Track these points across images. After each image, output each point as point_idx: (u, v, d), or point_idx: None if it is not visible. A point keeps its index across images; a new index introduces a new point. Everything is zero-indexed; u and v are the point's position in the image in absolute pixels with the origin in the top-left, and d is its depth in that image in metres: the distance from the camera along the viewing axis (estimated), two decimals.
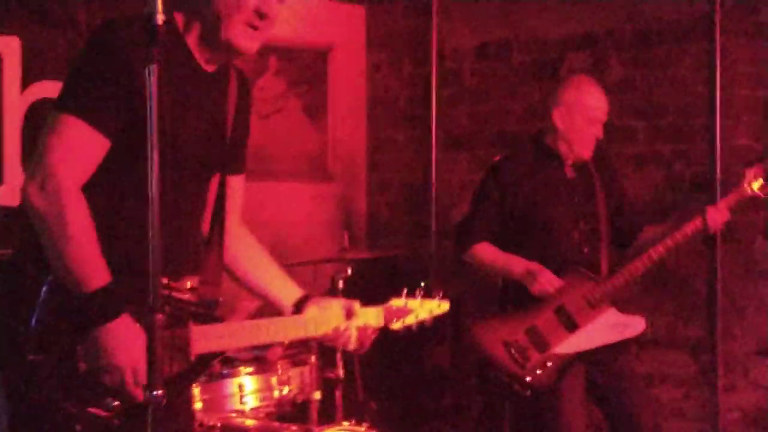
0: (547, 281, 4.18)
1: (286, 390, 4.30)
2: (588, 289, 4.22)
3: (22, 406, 2.56)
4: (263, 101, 6.05)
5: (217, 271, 2.86)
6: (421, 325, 3.14)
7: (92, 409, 2.53)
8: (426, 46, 6.31)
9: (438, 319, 3.16)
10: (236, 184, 3.00)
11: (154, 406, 2.22)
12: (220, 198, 2.89)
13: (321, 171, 6.33)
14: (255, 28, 2.67)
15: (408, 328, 3.12)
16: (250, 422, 4.13)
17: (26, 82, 4.81)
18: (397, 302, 3.10)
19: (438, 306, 3.16)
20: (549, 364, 4.21)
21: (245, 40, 2.67)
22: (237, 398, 4.16)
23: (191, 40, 2.70)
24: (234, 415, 4.14)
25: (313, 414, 4.42)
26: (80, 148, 2.51)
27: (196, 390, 4.00)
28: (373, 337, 3.06)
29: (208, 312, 2.74)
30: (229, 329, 2.74)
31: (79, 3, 4.99)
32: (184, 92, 2.67)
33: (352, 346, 3.03)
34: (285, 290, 3.02)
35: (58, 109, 2.54)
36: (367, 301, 3.05)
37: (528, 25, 6.01)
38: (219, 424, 4.03)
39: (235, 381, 4.19)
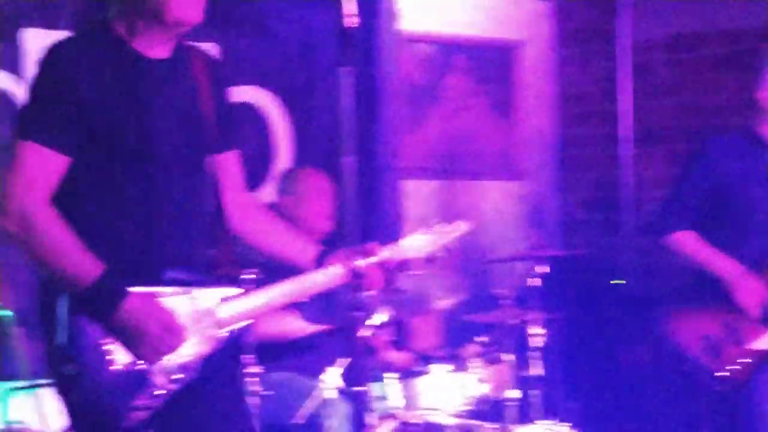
0: (750, 294, 4.06)
1: (483, 388, 4.29)
2: None
3: (76, 416, 2.69)
4: (450, 100, 6.06)
5: (227, 248, 2.91)
6: (447, 250, 3.11)
7: (137, 402, 2.63)
8: (616, 40, 6.20)
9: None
10: (229, 160, 3.00)
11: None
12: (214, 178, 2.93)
13: (511, 169, 6.30)
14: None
15: (432, 257, 3.08)
16: (449, 420, 4.14)
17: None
18: (408, 239, 3.07)
19: (454, 228, 3.16)
20: (745, 359, 4.09)
21: (188, 9, 2.69)
22: (435, 396, 4.18)
23: (139, 39, 2.72)
24: (433, 412, 4.16)
25: (511, 412, 4.39)
26: (36, 168, 2.62)
27: (396, 387, 4.07)
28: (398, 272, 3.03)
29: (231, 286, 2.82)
30: (252, 299, 2.83)
31: (272, 11, 5.11)
32: (139, 87, 2.71)
33: (378, 284, 2.99)
34: (303, 252, 3.03)
35: (14, 138, 2.66)
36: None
37: (720, 16, 5.83)
38: (420, 422, 4.06)
39: (433, 379, 4.20)
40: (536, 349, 4.56)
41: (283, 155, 5.07)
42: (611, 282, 6.03)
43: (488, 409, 4.41)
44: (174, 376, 2.68)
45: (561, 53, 6.48)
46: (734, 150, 4.26)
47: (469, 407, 4.31)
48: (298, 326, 4.07)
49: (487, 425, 4.22)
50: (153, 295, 2.65)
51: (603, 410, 5.54)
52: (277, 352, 4.11)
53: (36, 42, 4.41)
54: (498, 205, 6.23)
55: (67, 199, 2.67)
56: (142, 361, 2.63)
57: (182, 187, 2.78)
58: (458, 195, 6.07)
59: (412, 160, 5.83)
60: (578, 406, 5.12)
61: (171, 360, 2.65)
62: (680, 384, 5.40)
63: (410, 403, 4.14)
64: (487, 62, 6.20)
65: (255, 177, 4.93)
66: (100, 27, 2.77)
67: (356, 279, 2.96)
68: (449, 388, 4.27)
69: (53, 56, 2.67)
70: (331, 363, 3.91)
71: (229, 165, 3.00)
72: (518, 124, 6.32)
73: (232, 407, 2.90)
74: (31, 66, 4.36)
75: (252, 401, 3.80)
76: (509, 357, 4.44)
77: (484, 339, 4.46)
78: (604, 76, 6.31)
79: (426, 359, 4.29)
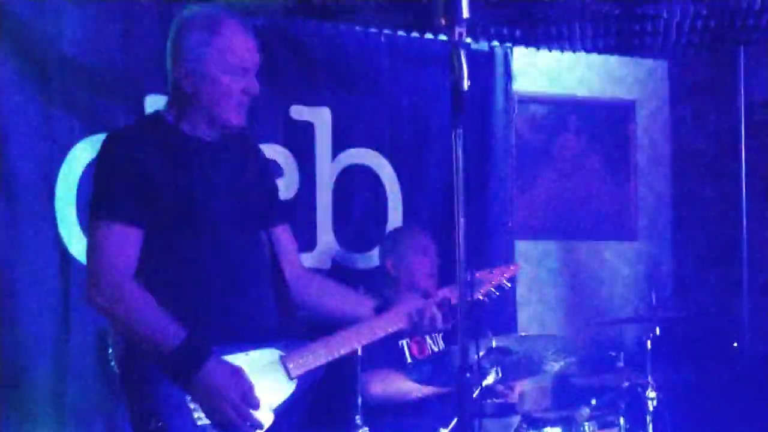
0: None
1: None
2: None
3: None
4: (564, 159, 6.05)
5: (290, 312, 3.10)
6: (500, 287, 3.23)
7: None
8: (732, 97, 6.12)
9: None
10: (281, 233, 3.20)
11: None
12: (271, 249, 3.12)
13: (625, 228, 6.23)
14: (243, 104, 2.95)
15: (489, 295, 3.22)
16: None
17: (336, 150, 5.01)
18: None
19: (509, 268, 3.27)
20: None
21: (237, 118, 2.96)
22: None
23: (187, 124, 2.94)
24: None
25: None
26: (118, 244, 2.81)
27: None
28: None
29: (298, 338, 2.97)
30: (319, 346, 2.96)
31: (384, 72, 5.17)
32: (193, 164, 2.90)
33: (440, 324, 3.11)
34: (361, 303, 3.19)
35: (90, 220, 2.86)
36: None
37: None
38: None
39: None
40: (649, 412, 4.47)
41: (394, 217, 5.12)
42: (731, 343, 5.90)
43: None
44: None
45: (677, 111, 6.42)
46: None
47: None
48: (407, 388, 4.09)
49: None
50: (232, 365, 2.79)
51: None
52: (385, 414, 4.12)
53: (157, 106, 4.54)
54: (613, 265, 6.17)
55: (143, 272, 2.84)
56: (220, 425, 2.76)
57: (242, 254, 2.95)
58: (572, 255, 6.03)
59: (525, 220, 5.82)
60: None
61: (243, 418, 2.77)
62: None
63: None
64: (600, 122, 6.18)
65: (368, 239, 4.98)
66: (151, 117, 3.04)
67: (415, 321, 3.07)
68: None
69: (115, 142, 2.90)
70: (440, 426, 3.91)
71: (282, 237, 3.19)
72: (633, 183, 6.26)
73: None
74: None
75: None
76: (621, 420, 4.37)
77: (596, 402, 4.41)
78: (721, 134, 6.23)
79: (535, 422, 4.25)
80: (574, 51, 5.95)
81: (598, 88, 6.14)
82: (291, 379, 2.90)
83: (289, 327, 3.06)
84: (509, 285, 3.30)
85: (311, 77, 4.94)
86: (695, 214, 6.33)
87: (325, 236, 4.95)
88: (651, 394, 4.48)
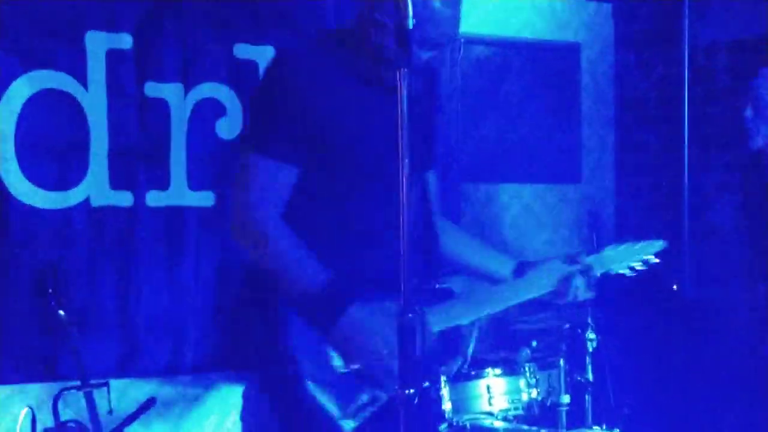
0: None
1: (534, 393, 4.27)
2: None
3: (290, 417, 2.70)
4: (509, 103, 6.05)
5: (434, 262, 2.94)
6: (647, 263, 3.18)
7: (352, 408, 2.67)
8: (676, 44, 6.14)
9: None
10: (431, 179, 3.07)
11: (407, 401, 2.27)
12: (425, 196, 2.97)
13: (569, 172, 6.26)
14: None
15: (634, 269, 3.18)
16: (498, 424, 4.14)
17: None
18: (610, 250, 3.08)
19: (652, 243, 3.20)
20: None
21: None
22: (485, 400, 4.18)
23: (363, 62, 2.75)
24: (483, 416, 4.15)
25: (562, 418, 4.37)
26: (269, 181, 2.65)
27: (445, 390, 4.05)
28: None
29: (436, 294, 2.86)
30: (460, 304, 2.86)
31: (329, 14, 5.12)
32: (366, 104, 2.74)
33: (582, 294, 3.07)
34: (501, 262, 3.11)
35: (242, 150, 2.70)
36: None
37: None
38: (468, 425, 4.05)
39: (483, 383, 4.20)
40: (589, 353, 4.53)
41: None
42: (669, 286, 5.97)
43: (539, 414, 4.39)
44: (388, 386, 2.66)
45: (620, 57, 6.44)
46: None
47: (520, 412, 4.30)
48: None
49: (539, 430, 4.21)
50: (378, 314, 2.63)
51: (655, 416, 5.48)
52: None
53: (99, 45, 4.50)
54: (556, 208, 6.20)
55: (293, 212, 2.70)
56: (360, 371, 2.65)
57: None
58: (516, 198, 6.05)
59: (470, 163, 5.82)
60: (629, 412, 5.07)
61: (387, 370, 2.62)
62: (737, 389, 5.37)
63: (458, 407, 4.13)
64: (546, 65, 6.18)
65: None
66: (330, 37, 2.81)
67: (561, 287, 3.00)
68: (500, 393, 4.27)
69: (285, 65, 2.70)
70: None
71: (431, 184, 3.06)
72: (577, 126, 6.28)
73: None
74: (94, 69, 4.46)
75: None
76: (561, 362, 4.42)
77: (537, 344, 4.45)
78: (665, 81, 6.26)
79: (476, 363, 4.28)
80: None
81: (543, 31, 6.12)
82: (431, 334, 2.78)
83: (429, 281, 2.92)
84: (657, 260, 3.21)
85: (255, 15, 4.87)
86: (638, 158, 6.38)
87: None
88: (591, 336, 4.52)
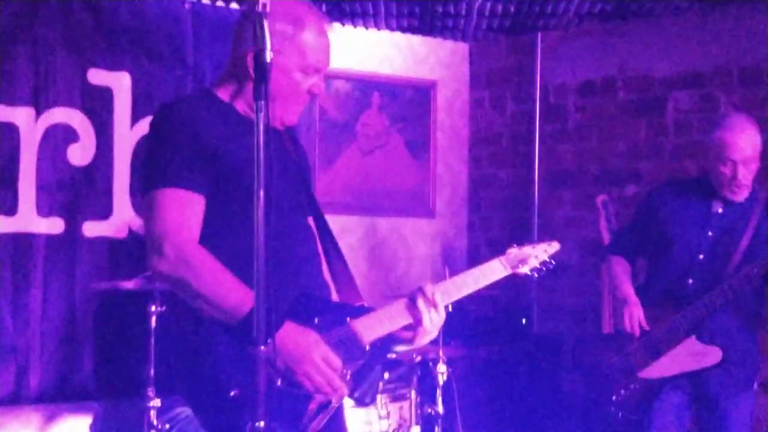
0: (632, 322, 4.19)
1: (385, 424, 4.30)
2: (672, 318, 4.21)
3: None
4: (366, 137, 6.11)
5: (353, 286, 2.98)
6: (547, 266, 3.20)
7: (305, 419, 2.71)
8: (529, 83, 6.31)
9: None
10: (325, 222, 3.12)
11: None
12: (325, 234, 3.02)
13: (423, 207, 6.35)
14: (304, 104, 2.89)
15: (536, 271, 3.18)
16: None
17: (136, 117, 4.92)
18: (512, 251, 3.15)
19: (549, 245, 3.23)
20: (634, 386, 4.23)
21: (295, 117, 2.89)
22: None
23: (240, 106, 2.87)
24: None
25: None
26: (179, 210, 2.72)
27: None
28: None
29: (359, 308, 2.88)
30: (385, 314, 2.86)
31: (188, 40, 5.10)
32: (247, 141, 2.74)
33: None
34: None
35: (148, 189, 2.75)
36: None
37: (632, 63, 5.97)
38: None
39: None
40: (439, 386, 4.58)
41: None
42: (518, 321, 6.09)
43: None
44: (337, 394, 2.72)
45: (476, 94, 6.57)
46: (675, 196, 4.39)
47: None
48: None
49: None
50: (308, 329, 2.70)
51: None
52: None
53: None
54: (411, 242, 6.27)
55: (203, 240, 2.74)
56: (305, 388, 2.67)
57: (298, 235, 2.89)
58: (372, 231, 6.10)
59: (326, 195, 5.85)
60: None
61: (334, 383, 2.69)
62: (580, 420, 5.50)
63: None
64: (403, 100, 6.27)
65: None
66: (202, 92, 2.95)
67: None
68: (353, 424, 4.27)
69: (172, 111, 2.80)
70: None
71: (325, 225, 3.09)
72: (432, 162, 6.38)
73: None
74: None
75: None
76: (412, 393, 4.46)
77: (389, 375, 4.49)
78: (518, 119, 6.41)
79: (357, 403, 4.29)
80: (378, 29, 6.01)
81: (401, 67, 6.21)
82: (363, 345, 2.81)
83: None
84: (553, 263, 3.24)
85: (111, 41, 4.83)
86: (490, 195, 6.51)
87: (122, 204, 4.86)
88: (441, 368, 4.58)
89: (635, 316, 4.22)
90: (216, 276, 2.68)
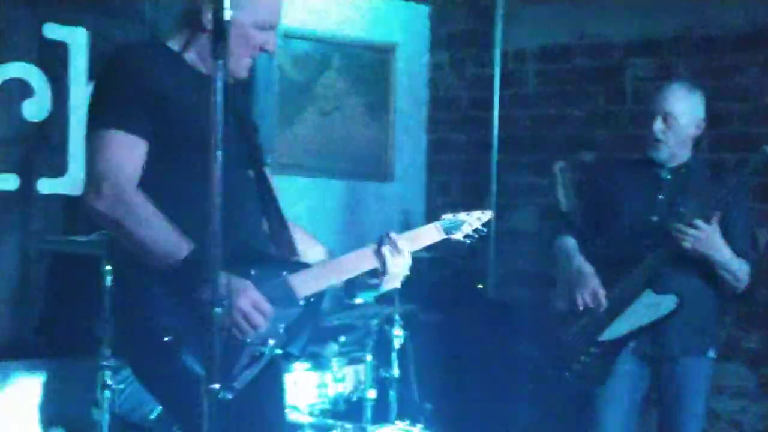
0: (590, 295, 4.20)
1: (340, 388, 4.31)
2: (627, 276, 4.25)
3: (169, 386, 2.78)
4: (325, 98, 6.07)
5: (290, 243, 3.03)
6: (479, 233, 3.28)
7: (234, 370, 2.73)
8: (489, 48, 6.29)
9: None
10: (269, 175, 3.17)
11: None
12: (265, 188, 3.06)
13: (381, 170, 6.33)
14: (254, 58, 2.95)
15: (469, 237, 3.27)
16: (304, 418, 4.15)
17: (92, 73, 4.85)
18: (447, 217, 3.27)
19: (483, 213, 3.32)
20: (594, 350, 4.24)
21: (245, 71, 2.95)
22: (292, 394, 4.18)
23: (190, 57, 2.93)
24: (289, 410, 4.15)
25: (367, 413, 4.42)
26: (121, 152, 2.76)
27: None
28: None
29: (297, 263, 2.96)
30: (322, 270, 2.97)
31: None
32: (196, 91, 2.80)
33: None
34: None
35: (93, 129, 2.82)
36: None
37: (591, 29, 5.97)
38: None
39: (291, 377, 4.20)
40: (395, 350, 4.59)
41: None
42: (474, 286, 6.12)
43: (346, 409, 4.43)
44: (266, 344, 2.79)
45: (435, 58, 6.55)
46: (623, 168, 4.49)
47: (326, 406, 4.33)
48: None
49: (344, 425, 4.24)
50: (240, 278, 2.73)
51: (458, 412, 5.61)
52: None
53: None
54: (369, 206, 6.26)
55: (143, 185, 2.77)
56: (233, 333, 2.69)
57: (240, 187, 2.91)
58: (330, 194, 6.07)
59: (285, 157, 5.81)
60: (433, 408, 5.16)
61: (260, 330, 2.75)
62: (535, 385, 5.55)
63: None
64: (363, 63, 6.23)
65: None
66: (154, 42, 3.07)
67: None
68: (307, 387, 4.28)
69: (126, 54, 2.90)
70: None
71: (270, 178, 3.14)
72: (391, 125, 6.36)
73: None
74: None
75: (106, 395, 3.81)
76: (368, 357, 4.47)
77: (345, 339, 4.49)
78: (477, 83, 6.40)
79: (284, 356, 4.28)
80: None
81: (361, 29, 6.17)
82: (297, 300, 2.87)
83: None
84: (485, 231, 3.29)
85: None
86: (449, 159, 6.51)
87: (78, 161, 4.80)
88: (397, 332, 4.59)
89: (595, 290, 4.21)
90: (152, 220, 2.71)
